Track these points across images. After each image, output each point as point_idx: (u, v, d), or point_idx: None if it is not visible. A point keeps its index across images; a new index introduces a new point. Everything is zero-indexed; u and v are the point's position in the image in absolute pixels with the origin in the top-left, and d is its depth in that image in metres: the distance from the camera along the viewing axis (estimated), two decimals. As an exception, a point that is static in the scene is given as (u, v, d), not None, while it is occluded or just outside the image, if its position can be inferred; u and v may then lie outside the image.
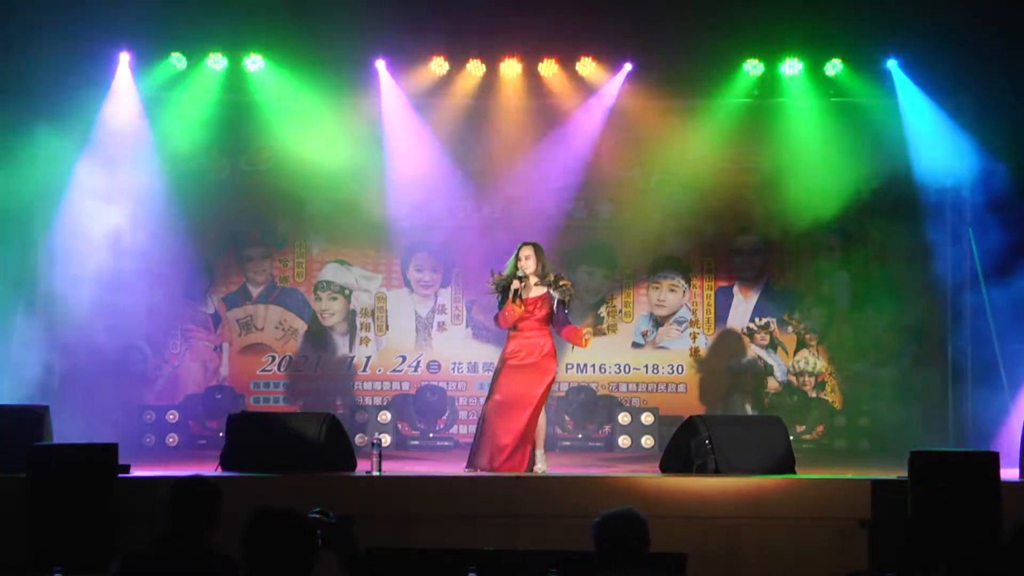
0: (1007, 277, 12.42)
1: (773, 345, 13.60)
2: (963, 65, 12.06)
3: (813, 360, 13.54)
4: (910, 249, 13.42)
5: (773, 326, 13.61)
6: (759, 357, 13.57)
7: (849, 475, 9.18)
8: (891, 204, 13.22)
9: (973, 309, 13.15)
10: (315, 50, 12.26)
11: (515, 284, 9.69)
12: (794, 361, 13.55)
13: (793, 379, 13.50)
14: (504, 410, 9.66)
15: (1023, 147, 12.05)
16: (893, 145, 12.90)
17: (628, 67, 12.91)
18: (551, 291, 9.77)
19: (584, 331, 9.85)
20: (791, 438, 9.70)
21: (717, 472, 8.95)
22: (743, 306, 13.69)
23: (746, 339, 13.65)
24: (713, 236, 13.62)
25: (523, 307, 9.67)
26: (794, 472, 9.07)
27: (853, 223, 13.45)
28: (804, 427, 13.07)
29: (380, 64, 12.79)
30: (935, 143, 12.77)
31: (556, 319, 9.77)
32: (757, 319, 13.64)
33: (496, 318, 9.91)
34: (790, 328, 13.63)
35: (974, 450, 11.05)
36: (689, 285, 13.68)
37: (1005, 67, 11.87)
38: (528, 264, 9.78)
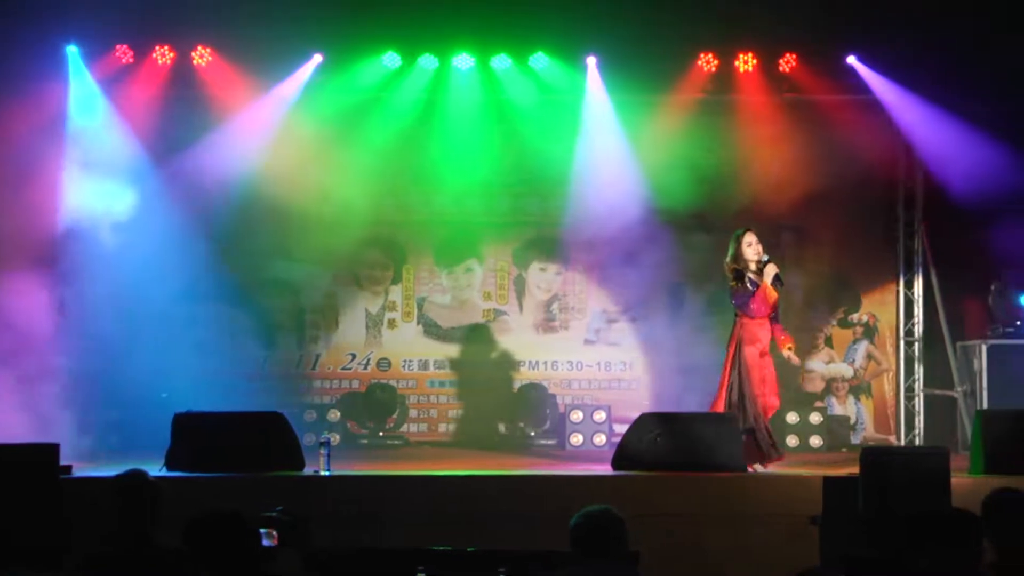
0: (959, 273, 12.56)
1: (726, 341, 13.63)
2: (924, 57, 12.17)
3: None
4: (862, 245, 13.53)
5: (729, 322, 13.63)
6: (713, 353, 13.61)
7: (800, 472, 9.25)
8: (845, 199, 13.30)
9: (925, 305, 13.29)
10: (263, 44, 12.20)
11: (773, 268, 9.77)
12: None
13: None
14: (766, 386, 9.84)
15: (982, 130, 12.16)
16: (846, 139, 12.98)
17: (592, 60, 12.95)
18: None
19: (788, 345, 9.99)
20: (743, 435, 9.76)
21: (669, 469, 8.99)
22: (696, 302, 13.73)
23: (699, 335, 13.69)
24: (666, 233, 13.63)
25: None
26: (744, 469, 9.13)
27: (806, 219, 13.53)
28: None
29: (317, 58, 12.77)
30: (895, 134, 12.89)
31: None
32: (710, 315, 13.68)
33: (746, 305, 9.82)
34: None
35: (925, 446, 11.20)
36: (642, 280, 13.64)
37: (960, 58, 12.00)
38: (759, 248, 9.89)
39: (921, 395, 13.25)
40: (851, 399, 13.55)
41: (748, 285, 9.69)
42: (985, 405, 11.84)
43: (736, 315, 9.92)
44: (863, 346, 13.66)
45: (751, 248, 9.85)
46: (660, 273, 13.68)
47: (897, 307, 13.50)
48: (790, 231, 13.65)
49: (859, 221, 13.46)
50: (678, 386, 13.50)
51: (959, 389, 12.52)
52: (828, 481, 8.45)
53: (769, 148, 13.09)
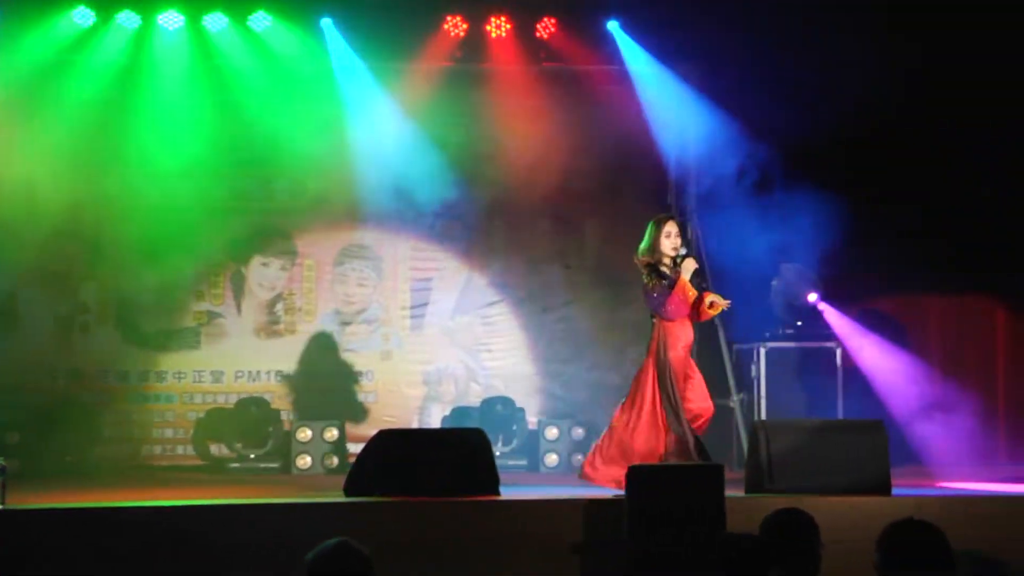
0: (736, 268, 12.91)
1: (478, 347, 13.75)
2: (687, 28, 12.51)
3: (522, 363, 13.75)
4: (631, 235, 13.77)
5: (478, 324, 13.76)
6: (462, 360, 13.71)
7: (561, 495, 9.37)
8: (610, 184, 13.57)
9: (699, 304, 13.62)
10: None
11: (692, 264, 9.48)
12: (500, 363, 13.74)
13: (500, 385, 13.68)
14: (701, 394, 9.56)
15: (752, 123, 12.56)
16: (612, 117, 13.26)
17: (327, 22, 12.96)
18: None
19: (708, 300, 9.59)
20: (496, 454, 9.83)
21: (412, 493, 8.98)
22: (444, 301, 13.80)
23: (447, 340, 13.77)
24: (410, 221, 13.69)
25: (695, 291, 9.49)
26: (498, 492, 9.19)
27: (568, 206, 13.74)
28: (516, 441, 13.23)
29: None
30: (663, 114, 13.22)
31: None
32: (459, 316, 13.78)
33: (663, 306, 9.46)
34: (499, 326, 13.80)
35: (697, 463, 11.45)
36: (381, 278, 13.71)
37: (731, 32, 12.38)
38: (678, 241, 9.59)
39: (695, 405, 13.57)
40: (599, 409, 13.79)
41: (663, 282, 9.52)
42: (763, 415, 12.23)
43: (652, 318, 9.67)
44: (632, 350, 13.90)
45: (669, 240, 9.61)
46: (403, 268, 13.71)
47: (669, 305, 13.82)
48: (549, 219, 13.84)
49: (627, 209, 13.70)
50: (423, 398, 13.56)
51: (735, 398, 12.89)
52: (591, 504, 8.58)
53: (526, 124, 13.28)
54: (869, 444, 9.41)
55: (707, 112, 13.00)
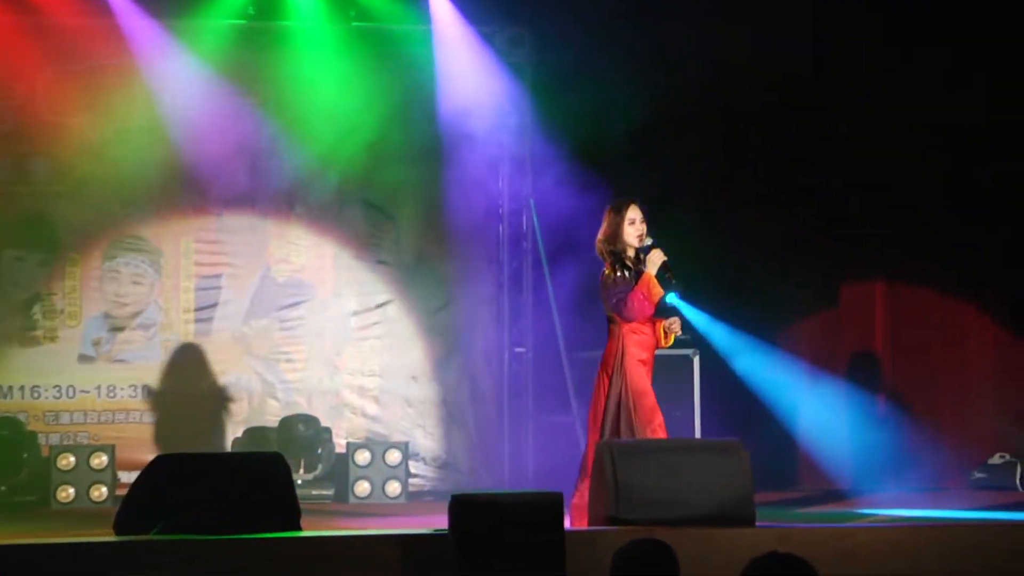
0: (576, 261, 12.98)
1: (276, 356, 13.64)
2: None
3: (328, 375, 13.66)
4: (454, 224, 13.79)
5: (276, 330, 13.65)
6: (257, 372, 13.59)
7: (373, 530, 9.31)
8: (429, 167, 13.56)
9: (536, 304, 13.66)
10: None
11: (660, 256, 9.43)
12: (302, 375, 13.64)
13: (302, 401, 13.58)
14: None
15: (584, 96, 12.66)
16: (430, 87, 13.27)
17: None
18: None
19: (666, 323, 9.57)
20: (297, 482, 9.73)
21: (197, 530, 8.84)
22: (236, 303, 13.67)
23: (239, 348, 13.64)
24: (194, 208, 13.59)
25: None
26: (299, 527, 9.11)
27: (380, 192, 13.69)
28: (321, 467, 13.14)
29: None
30: (481, 85, 13.28)
31: None
32: (254, 320, 13.65)
33: (623, 303, 9.37)
34: (301, 332, 13.69)
35: (533, 490, 11.52)
36: (160, 275, 13.53)
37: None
38: (643, 228, 9.52)
39: (533, 420, 13.61)
40: (442, 430, 13.77)
41: (627, 275, 9.47)
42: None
43: (610, 321, 9.62)
44: (457, 360, 13.90)
45: (634, 227, 9.57)
46: (187, 264, 13.62)
47: (501, 306, 13.84)
48: (360, 205, 13.81)
49: (448, 196, 13.72)
50: (209, 416, 13.41)
51: (576, 414, 12.93)
52: (408, 540, 8.53)
53: (330, 93, 13.26)
54: (729, 466, 9.45)
55: (538, 88, 13.10)
